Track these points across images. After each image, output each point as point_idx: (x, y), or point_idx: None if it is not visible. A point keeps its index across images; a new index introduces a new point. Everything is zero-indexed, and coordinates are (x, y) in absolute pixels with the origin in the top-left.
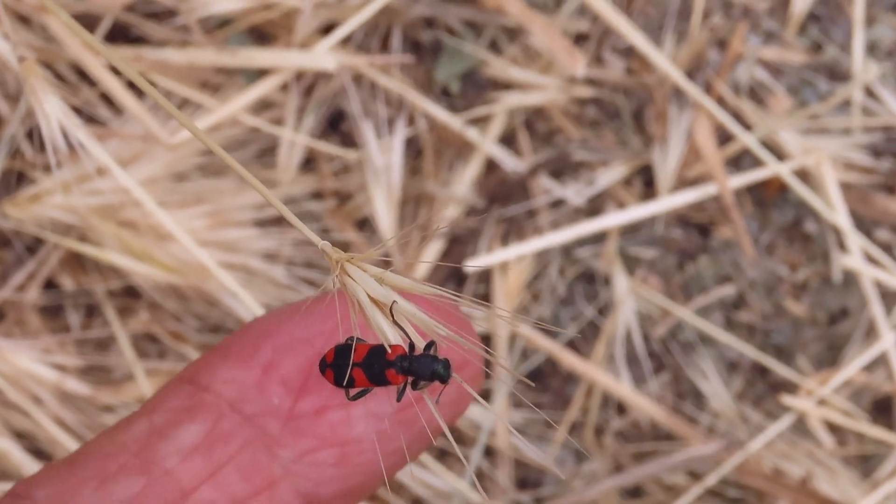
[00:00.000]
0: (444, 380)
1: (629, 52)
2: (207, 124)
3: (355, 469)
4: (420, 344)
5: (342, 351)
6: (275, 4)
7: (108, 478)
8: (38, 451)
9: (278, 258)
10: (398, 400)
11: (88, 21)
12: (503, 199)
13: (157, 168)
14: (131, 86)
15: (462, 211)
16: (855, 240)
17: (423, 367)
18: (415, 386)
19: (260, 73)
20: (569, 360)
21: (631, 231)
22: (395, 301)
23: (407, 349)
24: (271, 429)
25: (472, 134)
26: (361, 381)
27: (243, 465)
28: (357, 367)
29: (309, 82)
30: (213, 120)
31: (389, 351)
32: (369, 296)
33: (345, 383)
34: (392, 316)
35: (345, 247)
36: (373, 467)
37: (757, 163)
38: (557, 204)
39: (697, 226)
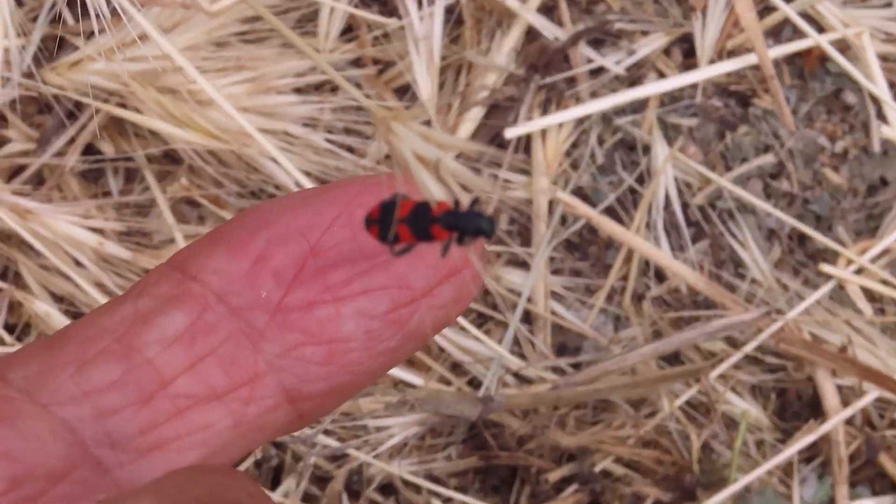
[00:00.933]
0: (489, 235)
1: None
2: None
3: (342, 368)
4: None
5: (388, 207)
6: None
7: (87, 362)
8: (77, 313)
9: (318, 124)
10: (443, 255)
11: None
12: (543, 67)
13: (197, 35)
14: None
15: (502, 79)
16: (894, 110)
17: (468, 223)
18: (460, 241)
19: None
20: (608, 226)
21: (671, 100)
22: (440, 158)
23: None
24: (258, 322)
25: (512, 2)
26: (406, 237)
27: (225, 357)
28: (402, 223)
29: None
30: None
31: (435, 207)
32: (415, 153)
33: (390, 240)
34: (438, 173)
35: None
36: (360, 367)
37: (797, 34)
38: (597, 73)
39: (737, 95)
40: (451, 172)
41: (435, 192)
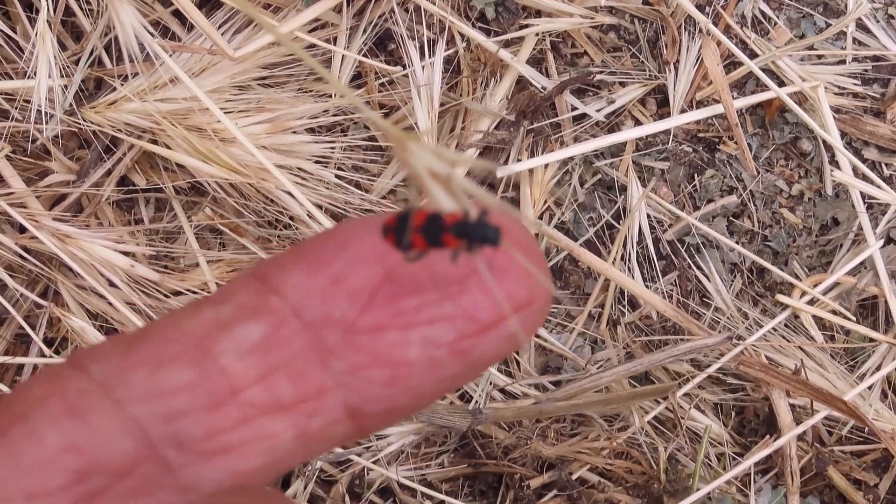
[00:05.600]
0: (496, 243)
1: None
2: (269, 40)
3: (403, 391)
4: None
5: (403, 217)
6: None
7: (163, 363)
8: (110, 329)
9: (329, 162)
10: (452, 261)
11: None
12: (532, 114)
13: (222, 79)
14: (201, 4)
15: (495, 123)
16: (846, 157)
17: (477, 231)
18: (469, 249)
19: None
20: (587, 258)
21: (645, 145)
22: (451, 173)
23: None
24: (329, 340)
25: (505, 55)
26: (420, 244)
27: (295, 371)
28: (416, 232)
29: (360, 5)
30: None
31: (446, 217)
32: (428, 169)
33: (405, 247)
34: (449, 186)
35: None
36: (420, 391)
37: (759, 86)
38: (580, 119)
39: (705, 142)
40: (461, 186)
41: (446, 204)
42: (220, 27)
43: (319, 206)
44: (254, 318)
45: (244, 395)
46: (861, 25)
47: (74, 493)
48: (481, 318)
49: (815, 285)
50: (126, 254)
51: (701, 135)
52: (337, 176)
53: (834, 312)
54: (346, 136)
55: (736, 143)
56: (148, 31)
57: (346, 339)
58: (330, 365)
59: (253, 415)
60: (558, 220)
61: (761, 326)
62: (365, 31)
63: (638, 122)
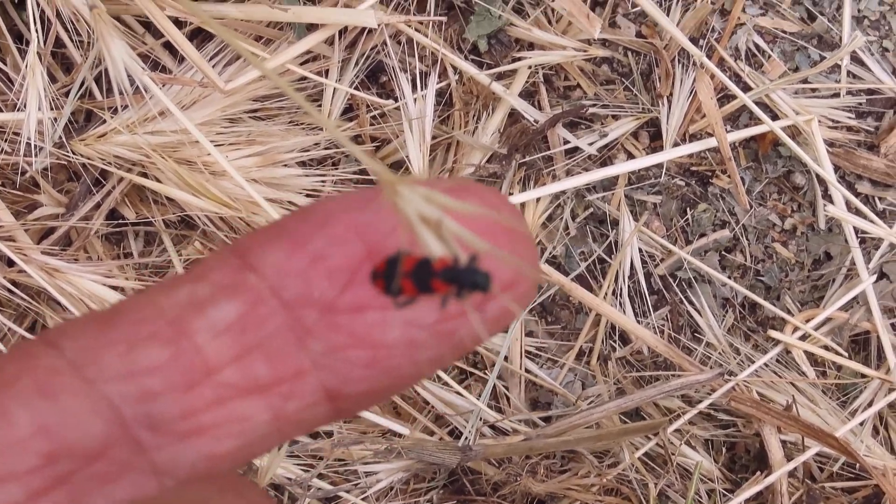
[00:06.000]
0: (485, 289)
1: (641, 17)
2: (260, 73)
3: (383, 372)
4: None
5: (392, 262)
6: None
7: (137, 342)
8: None
9: (320, 195)
10: (442, 307)
11: None
12: (524, 147)
13: (212, 112)
14: (192, 37)
15: (486, 157)
16: (839, 191)
17: (467, 277)
18: (458, 295)
19: (308, 28)
20: (579, 293)
21: (638, 179)
22: (441, 218)
23: (452, 261)
24: (307, 319)
25: (497, 88)
26: (409, 289)
27: (272, 351)
28: (406, 277)
29: (352, 38)
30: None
31: (436, 262)
32: (419, 213)
33: (394, 292)
34: (439, 232)
35: None
36: (401, 373)
37: (753, 120)
38: (572, 153)
39: (698, 175)
40: (452, 231)
41: (436, 249)
42: (210, 59)
43: None
44: (230, 296)
45: (219, 376)
46: (855, 58)
47: (44, 476)
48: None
49: (808, 320)
50: (115, 288)
51: (694, 168)
52: None
53: (826, 348)
54: (337, 169)
55: (729, 176)
56: (138, 64)
57: (325, 319)
58: (308, 345)
59: (228, 396)
60: (549, 254)
61: (753, 362)
62: (357, 63)
63: (630, 156)
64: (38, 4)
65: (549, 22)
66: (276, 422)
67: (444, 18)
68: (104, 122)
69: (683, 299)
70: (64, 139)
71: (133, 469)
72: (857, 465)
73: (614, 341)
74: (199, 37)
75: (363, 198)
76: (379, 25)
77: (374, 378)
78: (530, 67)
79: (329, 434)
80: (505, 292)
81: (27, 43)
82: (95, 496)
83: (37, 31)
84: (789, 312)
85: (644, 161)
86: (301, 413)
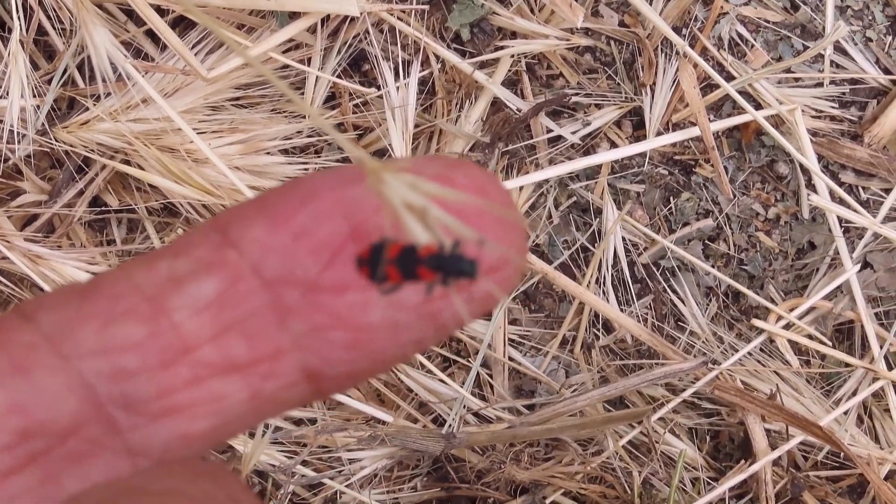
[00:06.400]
0: (471, 276)
1: (624, 6)
2: (243, 61)
3: (365, 354)
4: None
5: (377, 248)
6: None
7: (114, 318)
8: None
9: None
10: (427, 294)
11: None
12: (507, 136)
13: (195, 99)
14: (174, 24)
15: (469, 145)
16: (822, 181)
17: (453, 264)
18: (444, 282)
19: (290, 17)
20: (562, 281)
21: (621, 168)
22: (426, 205)
23: (437, 248)
24: (288, 298)
25: (480, 76)
26: (394, 276)
27: (251, 330)
28: (391, 264)
29: (335, 26)
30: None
31: (421, 249)
32: (404, 201)
33: (379, 279)
34: (424, 219)
35: None
36: (383, 355)
37: (736, 109)
38: (555, 141)
39: (681, 164)
40: (437, 218)
41: (421, 236)
42: (193, 47)
43: None
44: (210, 273)
45: (196, 354)
46: (839, 48)
47: (16, 455)
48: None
49: (791, 310)
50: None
51: (677, 157)
52: None
53: (810, 337)
54: (319, 157)
55: (712, 165)
56: (121, 52)
57: (306, 299)
58: (288, 325)
59: (205, 375)
60: (533, 242)
61: (737, 351)
62: (339, 51)
63: (614, 145)
64: None
65: (532, 11)
66: (254, 401)
67: (426, 7)
68: (87, 109)
69: (667, 288)
70: (47, 126)
71: (106, 448)
72: (842, 454)
73: (598, 330)
74: (182, 24)
75: (349, 174)
76: (361, 14)
77: (355, 359)
78: (513, 56)
79: (313, 421)
80: (489, 276)
81: (9, 31)
82: (68, 475)
83: (19, 18)
84: (773, 301)
85: (627, 150)
86: (279, 393)
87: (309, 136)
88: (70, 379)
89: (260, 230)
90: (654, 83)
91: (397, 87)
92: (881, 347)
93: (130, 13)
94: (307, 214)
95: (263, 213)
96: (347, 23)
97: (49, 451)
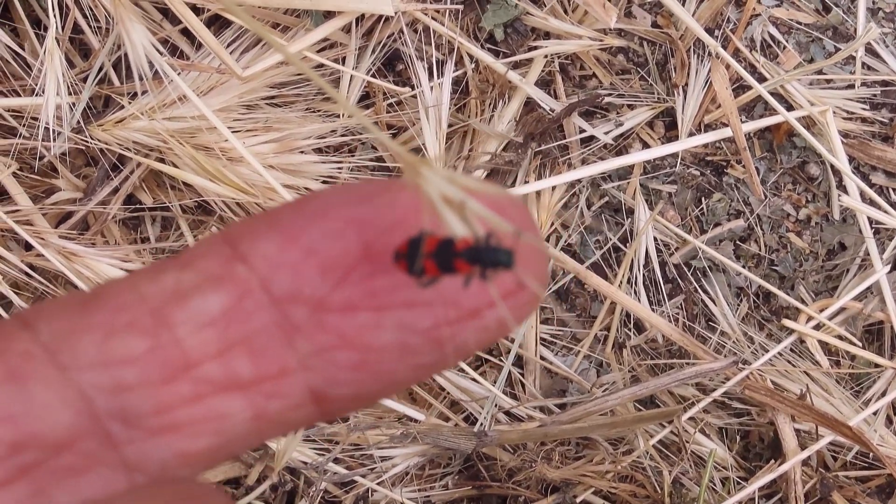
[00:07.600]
0: (509, 267)
1: (657, 8)
2: (277, 60)
3: (372, 377)
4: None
5: (414, 242)
6: None
7: (115, 331)
8: None
9: (337, 182)
10: (465, 286)
11: None
12: (539, 136)
13: (230, 98)
14: (210, 23)
15: (502, 145)
16: (853, 182)
17: (490, 256)
18: (482, 275)
19: (325, 16)
20: (594, 281)
21: (653, 168)
22: (464, 198)
23: (474, 241)
24: (296, 316)
25: (513, 77)
26: (432, 270)
27: (256, 348)
28: (428, 257)
29: (369, 25)
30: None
31: (458, 243)
32: (441, 194)
33: (417, 272)
34: (461, 212)
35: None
36: (391, 378)
37: (768, 110)
38: (588, 141)
39: (713, 165)
40: (474, 212)
41: (459, 230)
42: (228, 46)
43: None
44: (217, 287)
45: (199, 370)
46: (870, 50)
47: (7, 467)
48: (463, 304)
49: (822, 310)
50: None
51: (709, 158)
52: None
53: (840, 338)
54: (353, 156)
55: (744, 166)
56: (157, 49)
57: (314, 318)
58: (295, 344)
59: (207, 392)
60: (565, 242)
61: (767, 351)
62: (373, 51)
63: (646, 145)
64: None
65: (566, 11)
66: (257, 421)
67: (460, 7)
68: (122, 107)
69: (698, 288)
70: (82, 124)
71: (101, 463)
72: (871, 454)
73: (629, 329)
74: (217, 23)
75: (362, 191)
76: (396, 13)
77: (361, 382)
78: (546, 56)
79: (345, 419)
80: (505, 301)
81: (45, 28)
82: (60, 489)
83: (55, 16)
84: (803, 302)
85: (659, 150)
86: (284, 413)
87: (343, 136)
88: (66, 390)
89: (270, 245)
90: (687, 84)
91: (431, 87)
92: None
93: (166, 12)
94: (318, 231)
95: (275, 227)
96: (382, 22)
97: (41, 464)
